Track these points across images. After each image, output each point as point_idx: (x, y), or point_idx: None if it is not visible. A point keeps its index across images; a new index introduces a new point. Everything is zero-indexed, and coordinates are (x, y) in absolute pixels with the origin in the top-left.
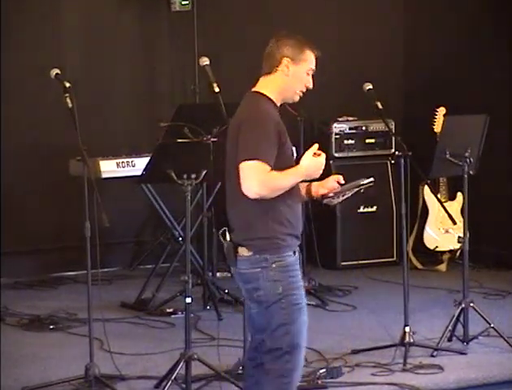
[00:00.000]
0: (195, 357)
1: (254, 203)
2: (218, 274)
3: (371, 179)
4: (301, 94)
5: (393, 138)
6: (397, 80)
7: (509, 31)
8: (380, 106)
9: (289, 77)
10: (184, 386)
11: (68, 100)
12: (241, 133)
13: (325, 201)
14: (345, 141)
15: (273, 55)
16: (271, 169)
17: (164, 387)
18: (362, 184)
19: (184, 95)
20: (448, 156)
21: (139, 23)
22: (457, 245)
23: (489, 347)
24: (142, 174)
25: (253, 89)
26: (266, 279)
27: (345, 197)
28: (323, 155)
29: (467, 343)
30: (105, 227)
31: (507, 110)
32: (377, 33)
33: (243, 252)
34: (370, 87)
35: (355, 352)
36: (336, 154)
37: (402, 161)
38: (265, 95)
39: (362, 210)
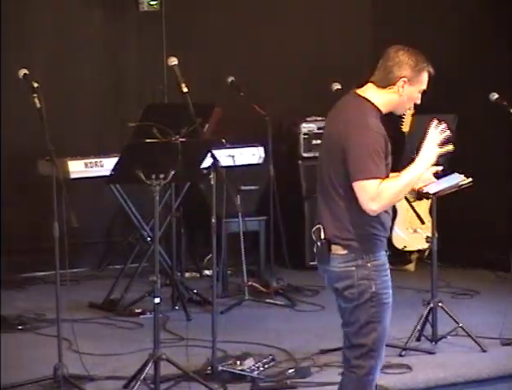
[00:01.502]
0: (164, 357)
1: (350, 205)
2: (186, 274)
3: (470, 179)
4: (408, 110)
5: None
6: (365, 78)
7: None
8: None
9: (402, 97)
10: (152, 386)
11: (36, 100)
12: (350, 146)
13: (421, 195)
14: (314, 141)
15: (391, 71)
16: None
17: (133, 388)
18: (462, 185)
19: (152, 95)
20: (416, 156)
21: (107, 24)
22: (426, 245)
23: (458, 346)
24: (111, 174)
25: (360, 92)
26: (360, 278)
27: (442, 193)
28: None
29: (436, 342)
30: (73, 227)
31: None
32: (347, 32)
33: (337, 250)
34: (339, 87)
35: (324, 352)
36: (305, 154)
37: None
38: (372, 103)
39: None
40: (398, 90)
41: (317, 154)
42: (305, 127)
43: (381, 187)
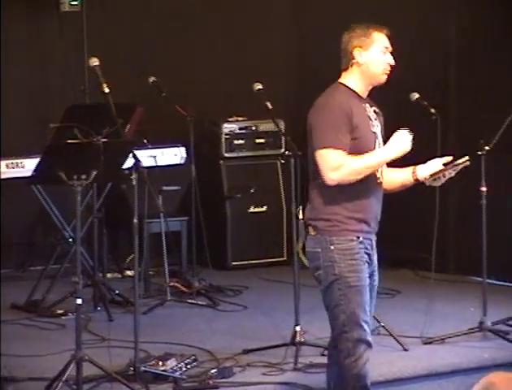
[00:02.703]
0: (86, 358)
1: (320, 186)
2: (108, 274)
3: (466, 158)
4: (387, 73)
5: (283, 138)
6: (287, 79)
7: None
8: (270, 106)
9: (364, 65)
10: (75, 387)
11: None
12: (312, 123)
13: (428, 183)
14: (235, 141)
15: (346, 50)
16: (347, 152)
17: (55, 389)
18: (458, 164)
19: (74, 96)
20: None
21: (28, 24)
22: None
23: (379, 346)
24: (32, 175)
25: (339, 80)
26: (324, 260)
27: (447, 177)
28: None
29: None
30: None
31: None
32: (267, 32)
33: (310, 231)
34: (260, 87)
35: (246, 352)
36: (226, 154)
37: (292, 160)
38: (344, 84)
39: (252, 209)
40: (358, 61)
41: (239, 154)
42: (227, 127)
43: (344, 160)
